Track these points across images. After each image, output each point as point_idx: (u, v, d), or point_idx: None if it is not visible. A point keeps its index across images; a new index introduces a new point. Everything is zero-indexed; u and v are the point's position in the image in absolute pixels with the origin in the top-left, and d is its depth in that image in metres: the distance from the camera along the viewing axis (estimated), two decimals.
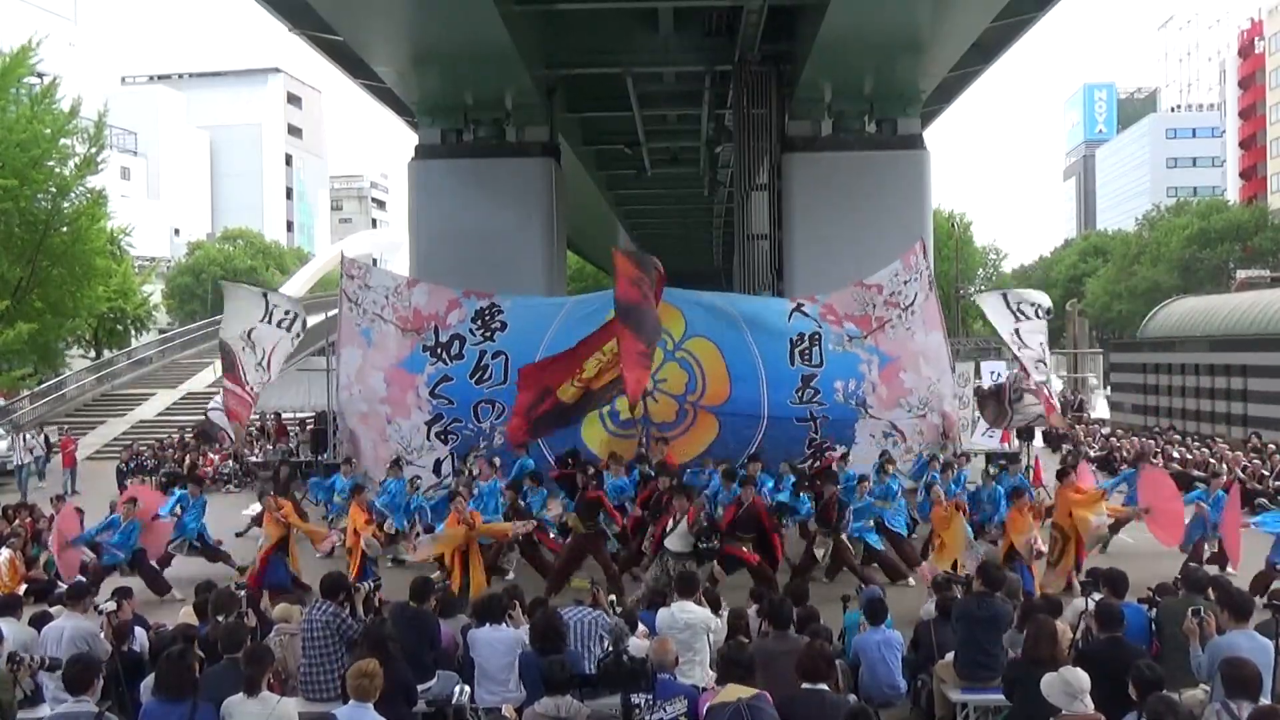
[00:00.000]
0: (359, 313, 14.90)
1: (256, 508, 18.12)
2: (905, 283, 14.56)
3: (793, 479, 12.80)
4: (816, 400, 14.40)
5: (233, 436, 13.94)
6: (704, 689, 6.22)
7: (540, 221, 22.68)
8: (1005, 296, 14.14)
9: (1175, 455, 19.65)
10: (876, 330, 14.50)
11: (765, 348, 14.50)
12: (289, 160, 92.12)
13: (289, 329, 13.53)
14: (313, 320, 14.50)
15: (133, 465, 22.77)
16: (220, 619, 7.10)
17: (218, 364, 38.83)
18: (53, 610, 7.86)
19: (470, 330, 14.75)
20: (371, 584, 8.60)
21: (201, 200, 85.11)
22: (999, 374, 20.09)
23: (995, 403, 15.07)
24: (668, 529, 10.37)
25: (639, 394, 11.80)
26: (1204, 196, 72.21)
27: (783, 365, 14.42)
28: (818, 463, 14.16)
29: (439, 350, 14.67)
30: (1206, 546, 12.72)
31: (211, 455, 23.07)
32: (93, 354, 40.77)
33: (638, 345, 11.54)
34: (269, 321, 13.27)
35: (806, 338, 14.53)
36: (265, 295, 12.74)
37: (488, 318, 14.87)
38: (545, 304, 16.24)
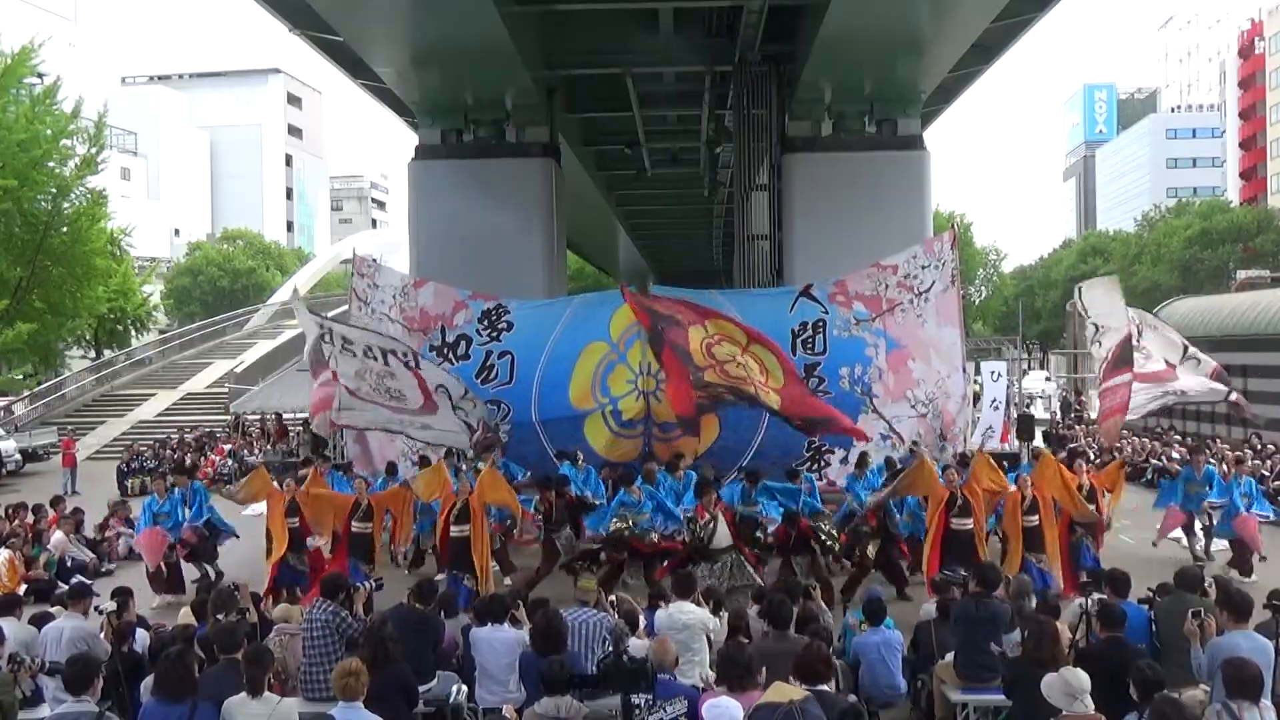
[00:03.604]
0: (367, 312, 14.94)
1: (258, 507, 18.20)
2: (923, 267, 14.35)
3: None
4: (821, 389, 14.31)
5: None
6: (704, 689, 6.22)
7: (540, 222, 22.66)
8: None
9: (1175, 456, 19.64)
10: (885, 313, 14.34)
11: None
12: (289, 160, 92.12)
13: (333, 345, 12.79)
14: (313, 321, 14.35)
15: (133, 465, 22.78)
16: (219, 618, 7.12)
17: (218, 364, 39.22)
18: (53, 610, 7.86)
19: (477, 330, 14.75)
20: (372, 584, 8.61)
21: (201, 200, 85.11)
22: (999, 374, 20.05)
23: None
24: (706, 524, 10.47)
25: (686, 410, 12.06)
26: (1204, 197, 72.21)
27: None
28: (816, 466, 14.11)
29: (445, 350, 14.69)
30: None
31: (212, 455, 23.09)
32: (93, 354, 40.80)
33: (682, 369, 11.84)
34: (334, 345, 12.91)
35: (810, 325, 14.38)
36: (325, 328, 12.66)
37: (494, 318, 14.88)
38: (551, 305, 16.24)
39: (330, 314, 17.04)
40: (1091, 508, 10.70)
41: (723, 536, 10.47)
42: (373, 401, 12.21)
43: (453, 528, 10.41)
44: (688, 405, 12.01)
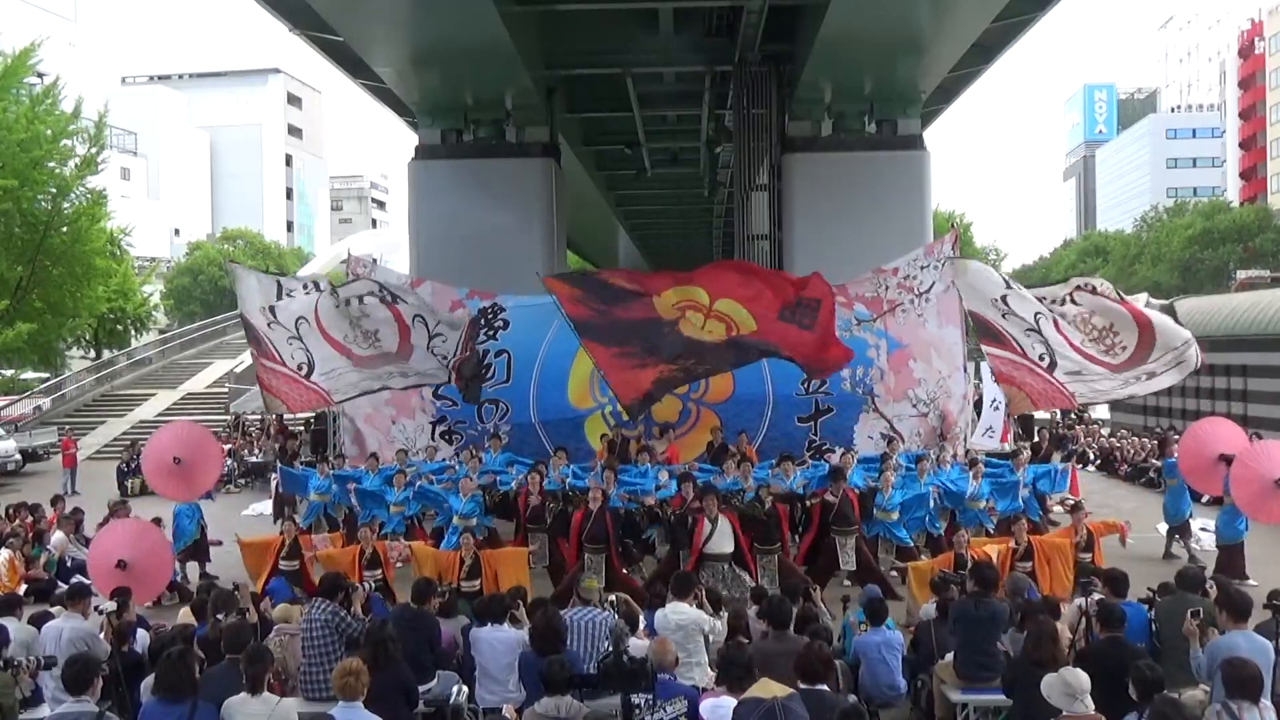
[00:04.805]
0: None
1: (258, 508, 18.24)
2: (923, 268, 14.36)
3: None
4: (823, 390, 14.34)
5: (269, 408, 12.89)
6: (704, 689, 6.22)
7: (540, 221, 22.65)
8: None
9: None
10: (886, 314, 14.35)
11: None
12: (289, 160, 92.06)
13: (322, 290, 12.01)
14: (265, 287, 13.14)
15: (133, 465, 22.75)
16: (219, 618, 7.12)
17: (218, 364, 39.18)
18: (53, 610, 7.86)
19: None
20: (372, 584, 8.62)
21: (201, 200, 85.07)
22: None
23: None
24: (708, 535, 10.27)
25: (633, 396, 11.59)
26: (1204, 197, 72.23)
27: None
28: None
29: None
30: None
31: None
32: (93, 354, 40.79)
33: (609, 351, 11.30)
34: (287, 296, 12.10)
35: None
36: (279, 281, 11.93)
37: (490, 316, 14.87)
38: (547, 303, 16.23)
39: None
40: (1088, 556, 10.46)
41: (722, 541, 10.29)
42: (351, 358, 11.53)
43: (464, 584, 10.09)
44: (634, 391, 11.61)
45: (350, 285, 11.96)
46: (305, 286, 11.59)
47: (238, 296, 11.65)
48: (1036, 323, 10.59)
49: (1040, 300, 10.92)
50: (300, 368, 11.04)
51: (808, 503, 11.40)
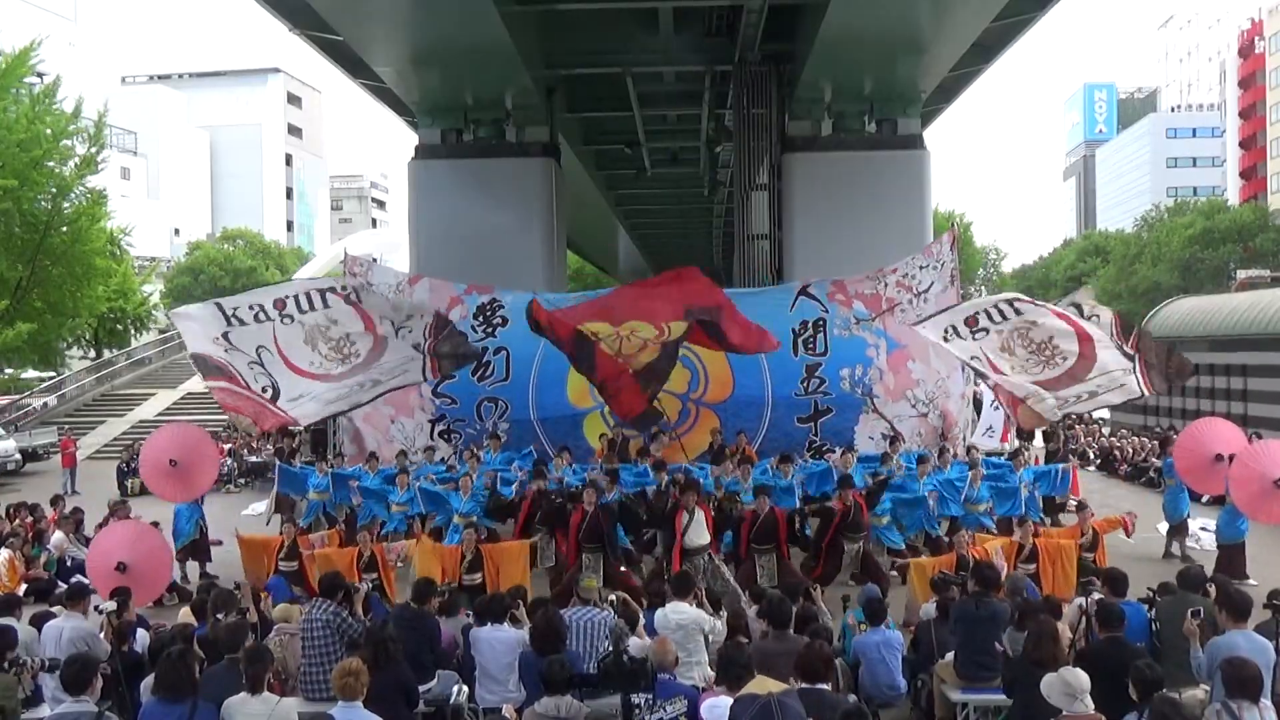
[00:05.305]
0: None
1: (257, 508, 18.23)
2: (921, 268, 14.44)
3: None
4: (822, 390, 14.35)
5: (239, 426, 12.59)
6: (703, 689, 6.23)
7: (540, 221, 22.66)
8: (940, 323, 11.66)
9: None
10: (885, 313, 14.41)
11: None
12: (289, 160, 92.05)
13: (272, 318, 11.24)
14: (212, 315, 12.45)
15: (133, 465, 22.75)
16: (219, 618, 7.12)
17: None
18: (53, 610, 7.86)
19: (471, 327, 14.74)
20: (369, 585, 8.61)
21: (201, 200, 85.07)
22: None
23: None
24: (685, 526, 10.33)
25: (634, 412, 11.65)
26: (1204, 196, 72.21)
27: (786, 358, 14.35)
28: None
29: None
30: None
31: None
32: (93, 354, 40.80)
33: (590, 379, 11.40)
34: (239, 324, 11.26)
35: (810, 325, 14.42)
36: (218, 304, 11.15)
37: (489, 313, 14.88)
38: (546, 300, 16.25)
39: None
40: (1092, 556, 10.48)
41: (698, 534, 10.34)
42: (322, 380, 11.19)
43: (465, 577, 10.19)
44: (629, 411, 11.67)
45: (290, 285, 11.80)
46: (254, 311, 11.22)
47: (184, 337, 11.37)
48: (971, 365, 10.74)
49: (978, 312, 10.99)
50: (265, 390, 10.79)
51: (806, 509, 11.37)
